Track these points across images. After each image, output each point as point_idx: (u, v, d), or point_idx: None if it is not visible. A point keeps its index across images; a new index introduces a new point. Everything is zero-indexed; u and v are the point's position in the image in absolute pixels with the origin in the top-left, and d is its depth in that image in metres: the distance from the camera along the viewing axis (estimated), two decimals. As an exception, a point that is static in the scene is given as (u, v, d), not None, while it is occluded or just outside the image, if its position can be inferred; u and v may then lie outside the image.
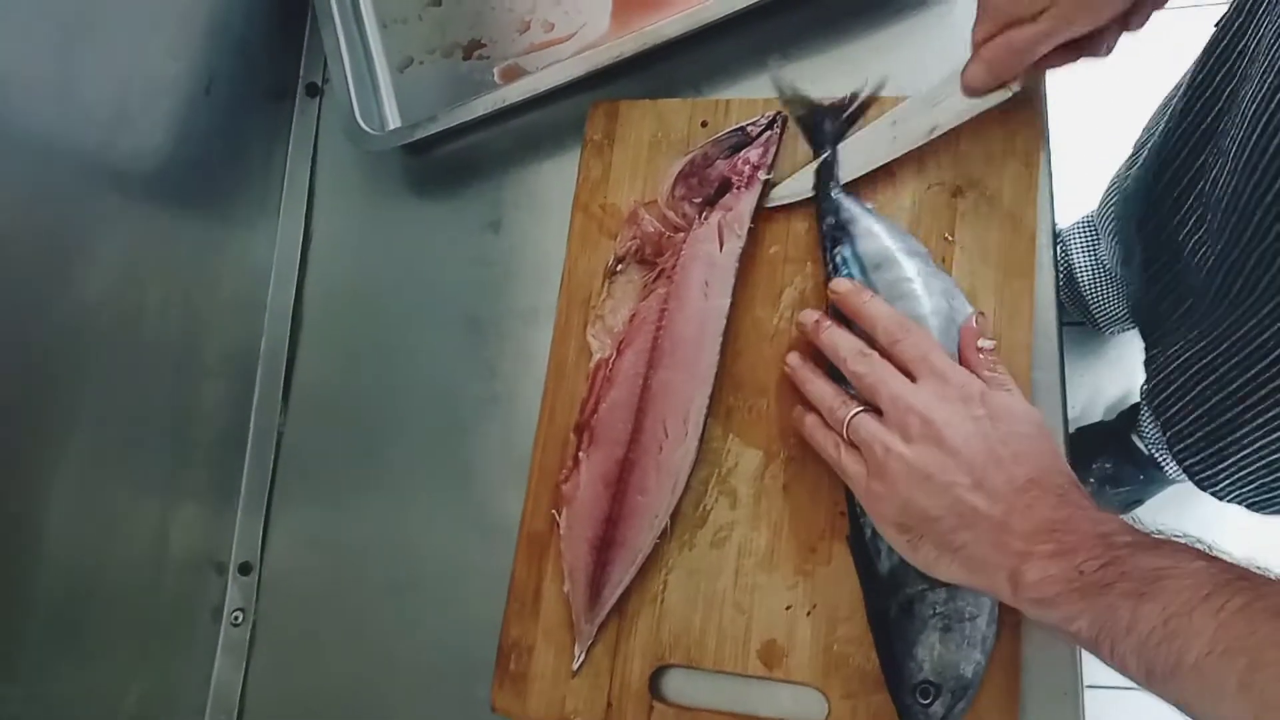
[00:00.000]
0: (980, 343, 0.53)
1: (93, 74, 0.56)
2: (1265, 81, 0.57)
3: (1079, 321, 1.24)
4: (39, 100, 0.53)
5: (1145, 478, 1.21)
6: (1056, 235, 0.61)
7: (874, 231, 0.58)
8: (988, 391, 0.50)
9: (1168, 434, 0.77)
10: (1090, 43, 0.53)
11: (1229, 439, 0.71)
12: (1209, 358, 0.69)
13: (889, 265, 0.57)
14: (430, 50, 0.73)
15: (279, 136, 0.76)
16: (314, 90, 0.77)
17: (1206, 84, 0.68)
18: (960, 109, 0.58)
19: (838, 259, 0.58)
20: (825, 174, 0.60)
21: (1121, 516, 0.46)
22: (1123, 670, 0.42)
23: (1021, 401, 0.51)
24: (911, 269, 0.56)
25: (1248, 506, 0.81)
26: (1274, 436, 0.68)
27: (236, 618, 0.67)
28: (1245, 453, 0.71)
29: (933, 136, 0.58)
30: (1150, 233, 0.79)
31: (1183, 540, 0.44)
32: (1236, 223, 0.62)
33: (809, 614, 0.56)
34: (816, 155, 0.61)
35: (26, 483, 0.52)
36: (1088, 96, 1.10)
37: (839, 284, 0.56)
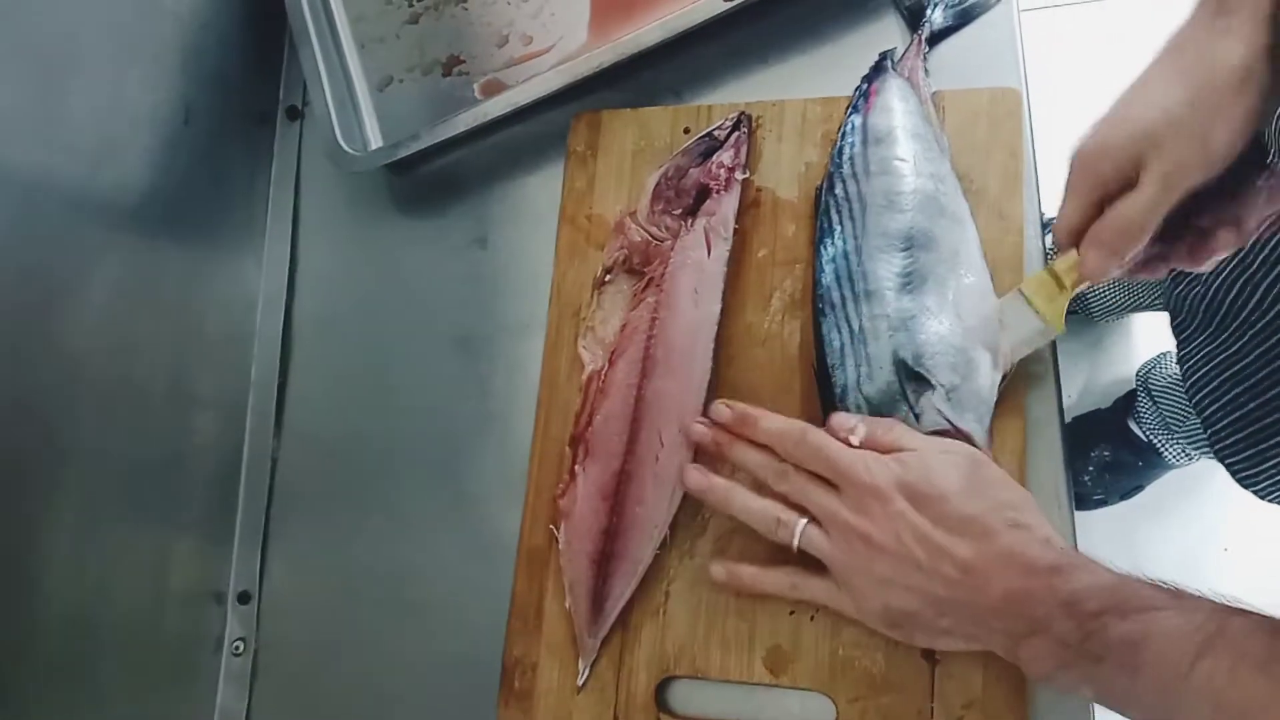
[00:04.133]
0: (850, 438, 0.52)
1: (72, 109, 0.56)
2: None
3: (1072, 310, 1.24)
4: (18, 137, 0.52)
5: (1144, 464, 1.21)
6: (1046, 224, 0.61)
7: (892, 108, 0.59)
8: (898, 474, 0.49)
9: (1208, 431, 0.76)
10: (1201, 245, 0.49)
11: (1269, 443, 0.70)
12: (1240, 364, 0.68)
13: (889, 141, 0.58)
14: (409, 68, 0.73)
15: (261, 162, 0.75)
16: (294, 113, 0.77)
17: None
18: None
19: (848, 125, 0.60)
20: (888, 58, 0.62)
21: (1086, 559, 0.46)
22: None
23: (929, 451, 0.50)
24: (908, 150, 0.57)
25: None
26: None
27: (238, 647, 0.67)
28: None
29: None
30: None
31: (1147, 589, 0.44)
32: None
33: (812, 619, 0.55)
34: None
35: (21, 523, 0.52)
36: (1073, 88, 1.10)
37: (719, 414, 0.55)
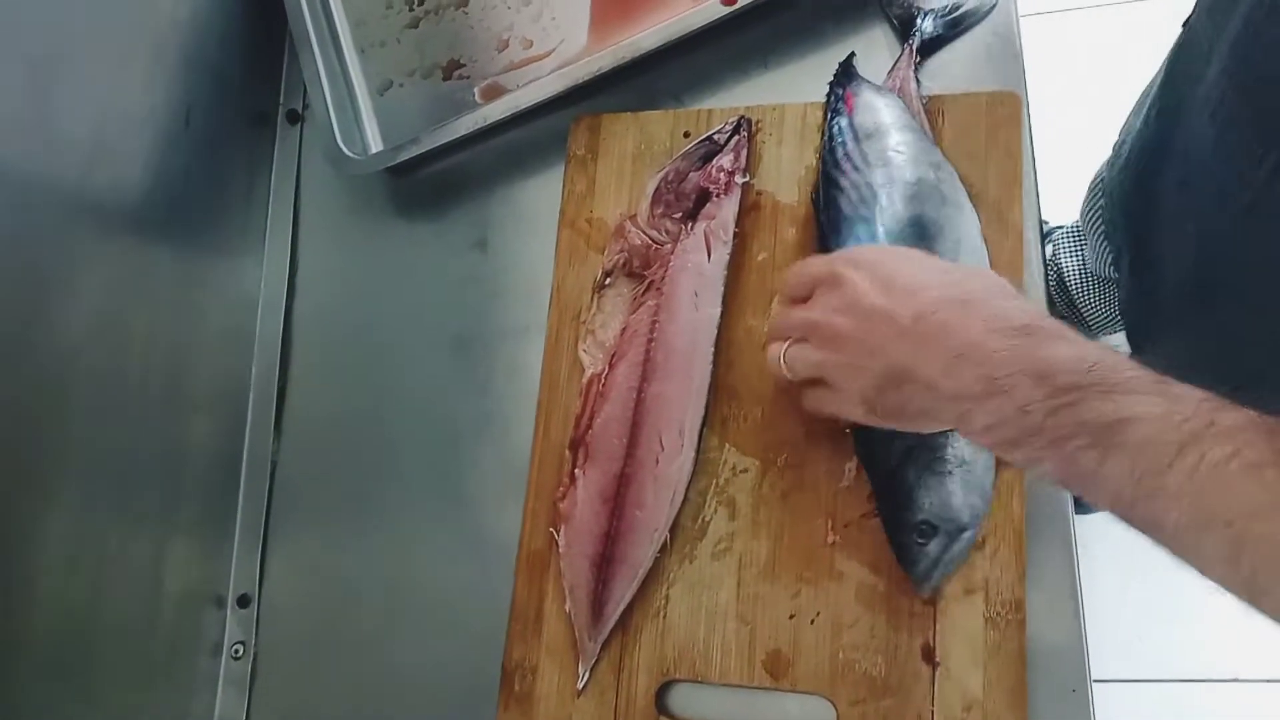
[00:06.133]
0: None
1: (69, 109, 0.56)
2: (1218, 83, 0.57)
3: (1071, 321, 1.24)
4: (15, 137, 0.52)
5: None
6: (1047, 234, 0.61)
7: (874, 106, 0.60)
8: (854, 257, 0.50)
9: None
10: None
11: None
12: (1195, 365, 0.69)
13: (880, 135, 0.59)
14: (410, 72, 0.73)
15: (261, 165, 0.76)
16: (295, 117, 0.77)
17: (1171, 84, 0.68)
18: None
19: (834, 128, 0.60)
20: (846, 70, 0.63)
21: (1069, 331, 0.42)
22: (1100, 507, 0.39)
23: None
24: (901, 141, 0.58)
25: None
26: None
27: (237, 651, 0.67)
28: None
29: None
30: (1133, 235, 0.79)
31: (1128, 369, 0.39)
32: (1200, 225, 0.62)
33: (812, 622, 0.55)
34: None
35: (16, 526, 0.52)
36: (1073, 93, 1.11)
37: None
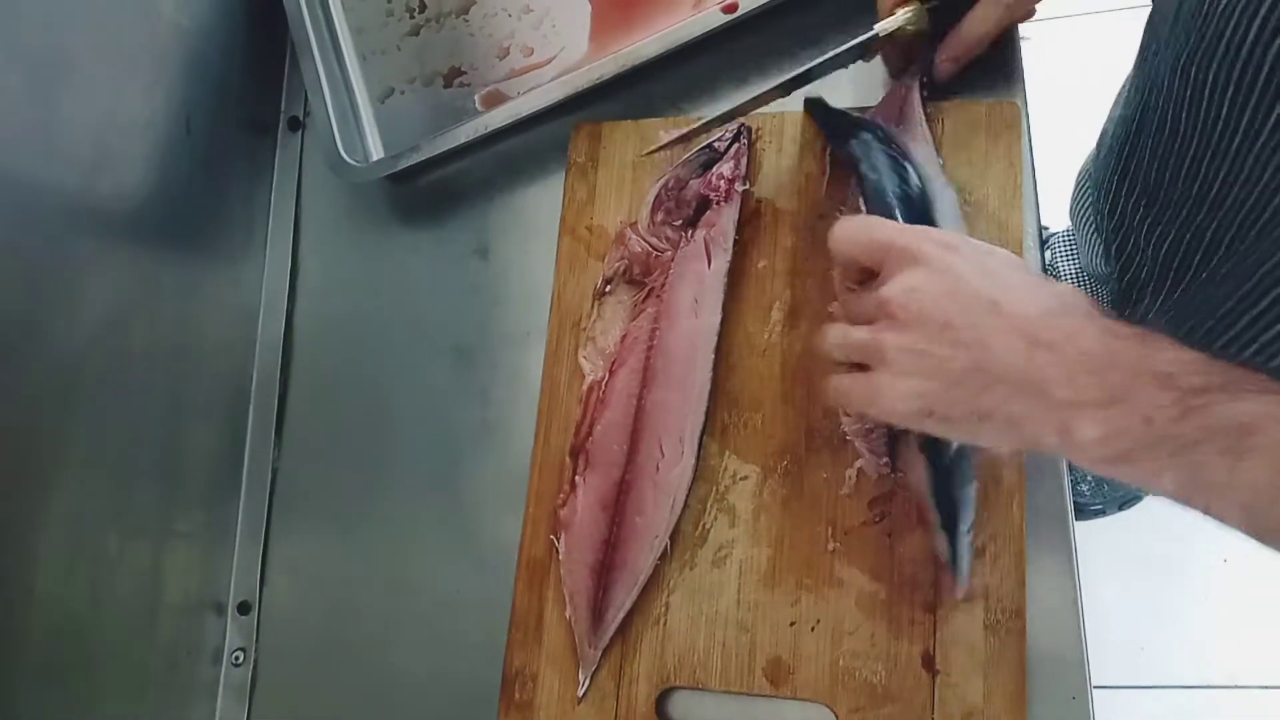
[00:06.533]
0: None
1: (70, 116, 0.56)
2: (1179, 55, 0.57)
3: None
4: (16, 143, 0.53)
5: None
6: (1046, 240, 0.61)
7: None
8: (944, 239, 0.45)
9: None
10: None
11: None
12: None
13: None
14: (410, 79, 0.73)
15: (262, 172, 0.76)
16: (296, 124, 0.77)
17: (1143, 56, 0.69)
18: None
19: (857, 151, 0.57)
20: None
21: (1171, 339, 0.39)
22: (1222, 521, 0.37)
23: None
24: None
25: None
26: None
27: (237, 657, 0.67)
28: None
29: None
30: (1116, 218, 0.80)
31: (1248, 370, 0.37)
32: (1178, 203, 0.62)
33: (813, 629, 0.55)
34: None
35: (16, 530, 0.52)
36: (1072, 100, 1.11)
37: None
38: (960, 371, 0.42)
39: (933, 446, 0.51)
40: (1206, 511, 0.37)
